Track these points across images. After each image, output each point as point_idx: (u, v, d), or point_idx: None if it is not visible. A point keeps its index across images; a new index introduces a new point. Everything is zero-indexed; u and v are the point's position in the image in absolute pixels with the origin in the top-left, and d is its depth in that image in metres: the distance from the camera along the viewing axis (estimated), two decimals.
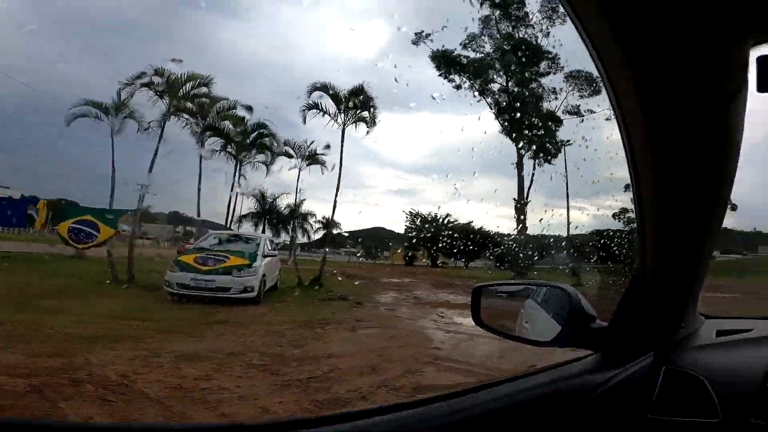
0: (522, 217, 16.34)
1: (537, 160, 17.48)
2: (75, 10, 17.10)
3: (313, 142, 14.31)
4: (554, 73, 18.17)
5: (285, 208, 18.08)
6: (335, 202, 13.49)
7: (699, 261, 0.74)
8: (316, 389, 3.97)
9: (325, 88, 13.91)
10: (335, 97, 13.73)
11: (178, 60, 12.11)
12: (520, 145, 17.03)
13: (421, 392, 3.96)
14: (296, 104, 13.91)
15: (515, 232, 16.66)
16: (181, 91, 11.98)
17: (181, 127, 12.96)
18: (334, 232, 23.54)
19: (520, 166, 17.26)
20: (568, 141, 16.95)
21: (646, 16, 0.43)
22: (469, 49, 18.78)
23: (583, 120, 17.42)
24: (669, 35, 0.45)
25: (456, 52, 18.76)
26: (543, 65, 18.33)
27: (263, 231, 17.58)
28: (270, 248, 9.13)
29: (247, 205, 17.48)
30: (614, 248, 13.14)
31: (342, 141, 13.51)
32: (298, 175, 14.83)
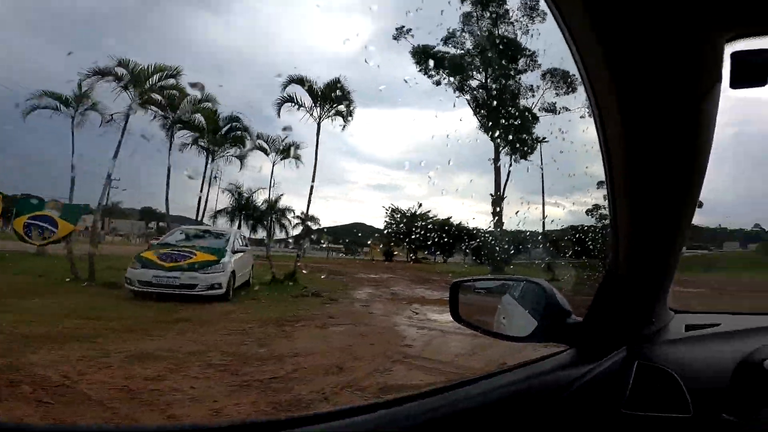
0: (499, 212, 16.49)
1: (513, 156, 17.65)
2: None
3: (287, 135, 14.03)
4: (532, 71, 18.38)
5: (262, 204, 17.74)
6: (310, 196, 13.28)
7: (669, 256, 0.75)
8: (277, 390, 3.80)
9: (300, 81, 13.63)
10: (311, 90, 13.46)
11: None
12: (497, 141, 17.13)
13: (387, 393, 3.84)
14: (274, 98, 13.53)
15: (492, 227, 16.79)
16: (147, 82, 11.46)
17: (150, 119, 12.47)
18: (314, 227, 23.30)
19: (497, 161, 17.39)
20: (544, 138, 17.17)
21: (627, 11, 0.43)
22: (450, 45, 18.79)
23: (558, 115, 17.65)
24: (647, 30, 0.44)
25: (436, 48, 18.77)
26: (521, 62, 18.49)
27: (239, 227, 17.22)
28: (242, 244, 8.86)
29: (224, 201, 17.09)
30: (588, 243, 13.40)
31: (317, 135, 13.28)
32: (272, 169, 14.51)
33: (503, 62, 18.03)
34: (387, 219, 22.02)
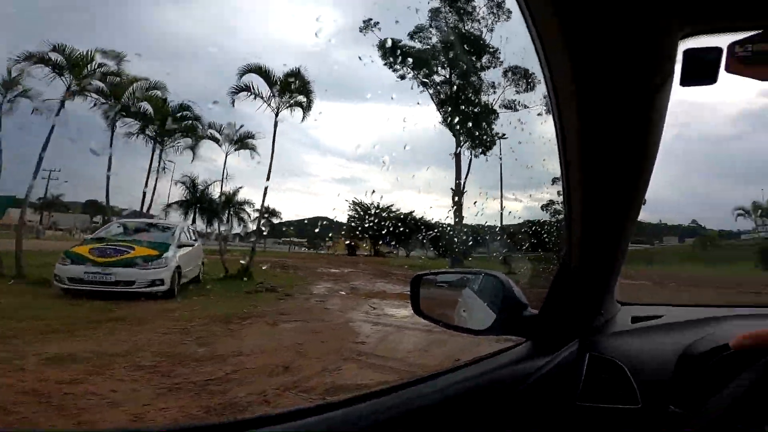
0: (458, 206, 16.72)
1: (473, 152, 17.93)
2: None
3: (242, 126, 13.42)
4: (494, 67, 18.69)
5: (220, 197, 17.00)
6: (265, 189, 12.70)
7: (617, 250, 0.76)
8: (213, 392, 3.57)
9: (258, 70, 13.09)
10: (269, 79, 12.95)
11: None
12: (458, 136, 17.34)
13: (334, 394, 3.69)
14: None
15: (452, 221, 17.02)
16: (86, 69, 10.56)
17: (90, 107, 11.52)
18: (275, 221, 22.72)
19: (458, 156, 17.61)
20: (503, 135, 17.55)
21: (589, 6, 0.43)
22: (416, 39, 18.76)
23: (517, 112, 18.09)
24: (606, 24, 0.44)
25: (402, 42, 18.69)
26: (485, 59, 18.77)
27: (193, 220, 16.43)
28: (190, 237, 8.37)
29: (178, 194, 16.21)
30: (544, 237, 13.87)
31: (275, 126, 12.80)
32: (225, 160, 13.82)
33: (467, 58, 18.24)
34: (350, 213, 21.83)
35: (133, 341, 4.65)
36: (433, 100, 18.76)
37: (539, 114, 16.81)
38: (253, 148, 13.21)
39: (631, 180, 0.63)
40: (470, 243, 15.54)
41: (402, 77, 18.70)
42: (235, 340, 5.22)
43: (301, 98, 13.52)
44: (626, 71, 0.49)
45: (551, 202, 16.50)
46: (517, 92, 18.51)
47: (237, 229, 17.74)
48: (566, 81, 0.52)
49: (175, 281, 7.22)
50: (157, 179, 13.74)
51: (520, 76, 18.24)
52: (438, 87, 18.87)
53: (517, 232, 15.59)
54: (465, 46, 18.05)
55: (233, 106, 12.58)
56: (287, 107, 13.36)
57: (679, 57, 0.46)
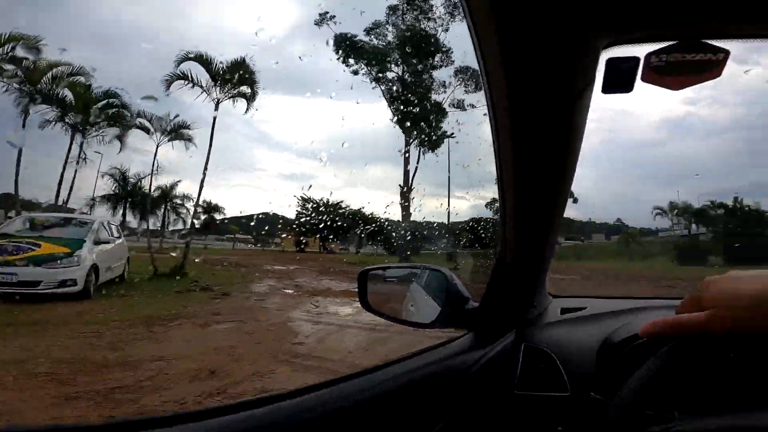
0: (407, 204, 16.90)
1: (422, 149, 18.19)
2: None
3: (177, 115, 12.54)
4: (446, 66, 19.03)
5: (155, 191, 15.85)
6: (202, 181, 11.89)
7: (546, 246, 0.79)
8: (119, 401, 3.25)
9: (200, 58, 12.33)
10: (209, 68, 12.25)
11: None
12: (408, 133, 17.50)
13: None
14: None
15: (401, 218, 17.17)
16: None
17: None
18: (218, 217, 21.64)
19: (407, 154, 17.77)
20: (452, 134, 17.96)
21: (522, 13, 0.45)
22: (372, 35, 18.64)
23: (465, 111, 18.60)
24: (537, 32, 0.46)
25: (358, 38, 18.50)
26: (437, 58, 19.06)
27: (123, 215, 15.20)
28: (112, 233, 7.65)
29: (107, 187, 14.89)
30: (488, 234, 14.39)
31: (214, 117, 12.12)
32: (156, 151, 12.87)
33: (420, 56, 18.42)
34: (298, 209, 21.32)
35: (31, 347, 4.14)
36: (384, 96, 18.80)
37: (485, 114, 17.34)
38: (189, 139, 12.42)
39: (556, 179, 0.66)
40: (418, 240, 15.76)
41: (355, 72, 18.56)
42: (156, 344, 4.82)
43: (245, 89, 12.95)
44: (551, 77, 0.51)
45: (494, 200, 17.21)
46: (467, 92, 19.05)
47: (175, 225, 16.69)
48: (500, 84, 0.54)
49: (91, 281, 6.58)
50: (76, 171, 12.48)
51: (470, 76, 18.77)
52: (390, 84, 18.94)
53: (462, 229, 16.05)
54: (419, 44, 18.22)
55: (167, 94, 11.73)
56: (229, 98, 12.73)
57: (603, 65, 0.48)
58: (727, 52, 0.45)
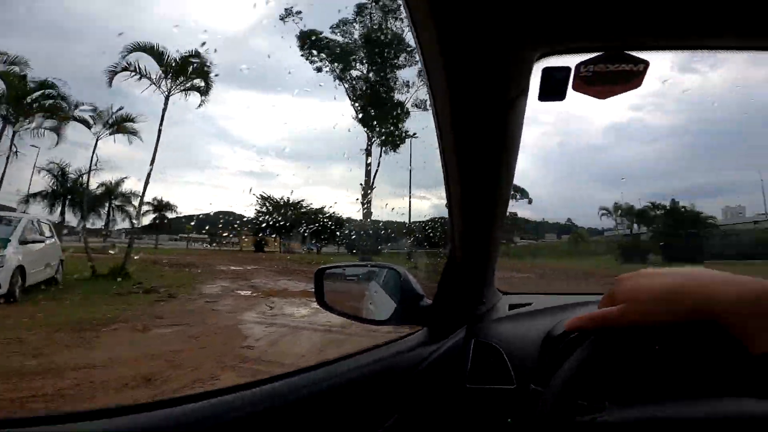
0: (368, 203, 16.90)
1: (384, 149, 18.25)
2: None
3: (121, 108, 11.79)
4: (410, 66, 19.17)
5: (98, 187, 14.85)
6: (148, 176, 11.19)
7: (491, 244, 0.83)
8: (34, 411, 2.98)
9: (150, 50, 11.67)
10: (159, 59, 11.63)
11: None
12: (370, 132, 17.50)
13: None
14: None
15: (362, 218, 17.14)
16: None
17: None
18: (170, 215, 20.63)
19: (368, 152, 17.78)
20: (414, 134, 18.14)
21: (460, 24, 0.46)
22: (338, 32, 18.43)
23: (428, 111, 18.83)
24: (474, 42, 0.48)
25: (323, 34, 18.24)
26: (401, 58, 19.16)
27: (62, 213, 14.13)
28: (41, 232, 7.06)
29: (43, 183, 13.76)
30: (441, 233, 14.66)
31: (164, 110, 11.49)
32: (95, 145, 12.02)
33: (385, 55, 18.44)
34: (258, 207, 20.76)
35: None
36: (348, 94, 18.69)
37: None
38: (133, 133, 11.70)
39: (496, 180, 0.69)
40: (379, 239, 15.79)
41: (319, 69, 18.31)
42: (86, 350, 4.49)
43: (199, 82, 12.41)
44: (487, 83, 0.53)
45: None
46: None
47: (123, 224, 15.76)
48: (440, 85, 0.55)
49: (16, 284, 6.05)
50: (6, 165, 11.45)
51: None
52: (354, 82, 18.84)
53: (422, 229, 16.26)
54: (385, 43, 18.25)
55: (110, 86, 10.99)
56: (181, 91, 12.15)
57: (539, 74, 0.50)
58: (646, 63, 0.47)
